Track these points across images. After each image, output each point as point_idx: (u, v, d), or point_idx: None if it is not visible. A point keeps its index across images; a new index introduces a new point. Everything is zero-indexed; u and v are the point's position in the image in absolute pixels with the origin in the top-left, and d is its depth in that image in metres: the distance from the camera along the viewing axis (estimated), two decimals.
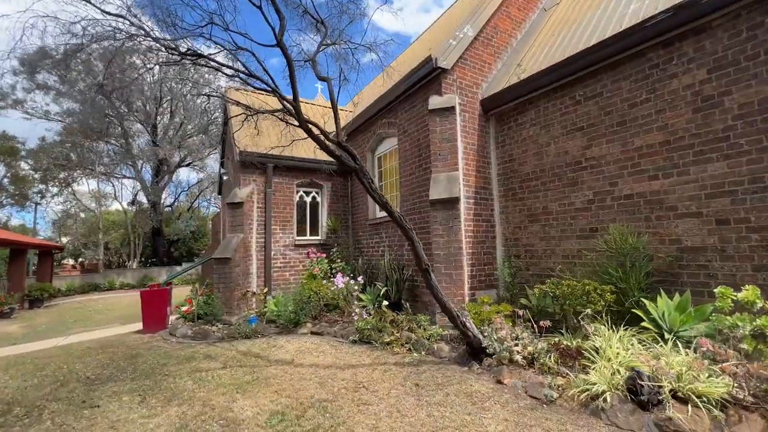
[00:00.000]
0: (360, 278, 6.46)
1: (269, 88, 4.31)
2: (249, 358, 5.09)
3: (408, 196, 6.65)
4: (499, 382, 3.66)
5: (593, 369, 3.22)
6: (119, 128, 20.85)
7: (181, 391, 4.09)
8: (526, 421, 2.97)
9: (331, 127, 8.93)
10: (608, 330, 3.67)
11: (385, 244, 7.34)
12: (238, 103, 4.97)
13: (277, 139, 7.52)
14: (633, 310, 3.77)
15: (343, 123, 7.80)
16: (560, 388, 3.24)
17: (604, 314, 3.85)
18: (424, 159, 6.23)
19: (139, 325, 7.73)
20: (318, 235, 8.52)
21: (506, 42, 6.83)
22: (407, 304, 5.97)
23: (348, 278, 6.29)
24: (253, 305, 7.37)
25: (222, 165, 10.58)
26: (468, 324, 4.06)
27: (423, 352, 4.69)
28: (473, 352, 4.12)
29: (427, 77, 5.95)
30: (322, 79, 4.38)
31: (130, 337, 6.88)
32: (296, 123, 4.19)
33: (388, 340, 5.02)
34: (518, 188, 5.86)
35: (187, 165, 21.98)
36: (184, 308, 7.51)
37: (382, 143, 7.81)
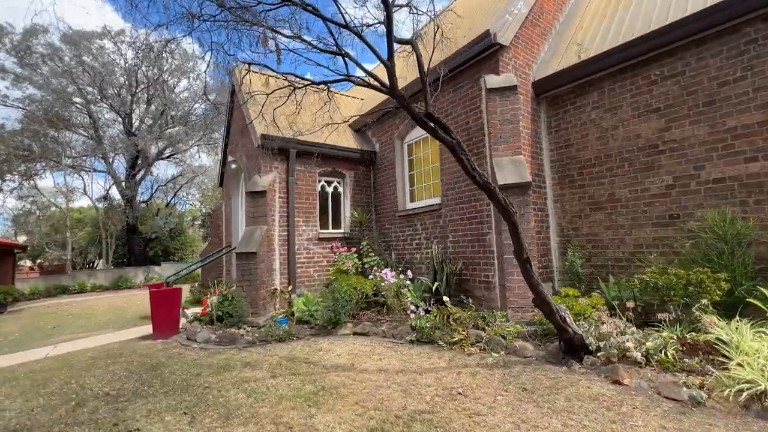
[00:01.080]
0: (409, 273, 5.91)
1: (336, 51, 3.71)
2: (298, 365, 4.46)
3: (452, 184, 6.19)
4: (617, 382, 3.27)
5: (735, 365, 2.89)
6: (88, 117, 19.11)
7: (236, 407, 3.45)
8: (687, 428, 2.58)
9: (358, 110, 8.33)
10: (722, 321, 3.38)
11: (421, 237, 6.85)
12: (285, 77, 4.32)
13: (303, 123, 6.86)
14: (748, 300, 3.50)
15: (354, 111, 7.17)
16: (705, 388, 2.89)
17: (712, 305, 3.56)
18: (475, 143, 5.80)
19: (140, 330, 6.88)
20: (340, 228, 7.90)
21: (551, 24, 6.51)
22: (455, 300, 5.52)
23: (394, 273, 5.74)
24: (277, 304, 6.67)
25: (225, 153, 9.69)
26: (568, 319, 3.66)
27: (502, 352, 4.25)
28: (571, 350, 3.73)
29: (482, 54, 5.51)
30: (403, 42, 3.83)
31: (137, 343, 6.02)
32: (377, 88, 3.62)
33: (456, 339, 4.55)
34: (576, 175, 5.54)
35: (168, 157, 20.46)
36: (197, 310, 6.70)
37: (414, 129, 7.31)
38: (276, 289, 6.52)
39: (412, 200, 7.45)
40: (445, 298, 5.06)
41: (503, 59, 5.47)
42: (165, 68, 18.74)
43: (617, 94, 5.11)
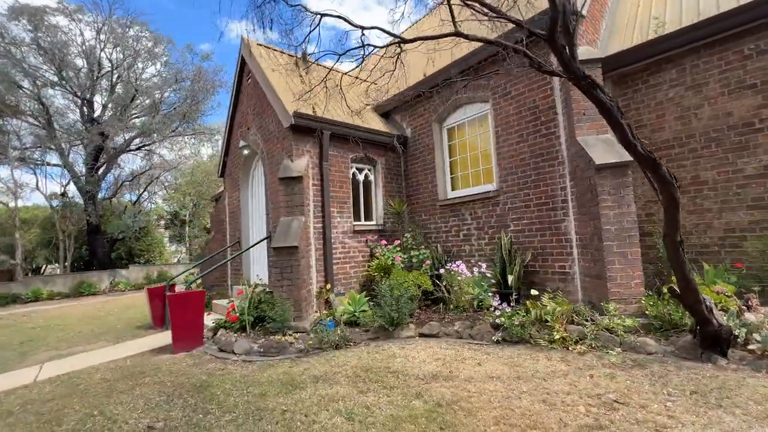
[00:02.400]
0: (461, 266, 5.35)
1: None
2: (382, 376, 3.76)
3: (513, 169, 5.70)
4: None
5: None
6: (38, 104, 16.82)
7: None
8: None
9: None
10: None
11: (470, 227, 6.30)
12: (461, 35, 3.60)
13: (331, 104, 6.08)
14: None
15: (362, 95, 6.23)
16: None
17: None
18: (543, 123, 5.33)
19: (145, 342, 5.90)
20: (372, 220, 7.19)
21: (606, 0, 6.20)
22: (522, 294, 5.04)
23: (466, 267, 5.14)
24: (316, 305, 5.86)
25: (229, 139, 8.62)
26: (714, 310, 3.26)
27: (618, 349, 3.79)
28: (713, 344, 3.33)
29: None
30: None
31: (154, 358, 5.01)
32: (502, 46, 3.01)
33: (558, 336, 4.04)
34: None
35: (138, 149, 18.47)
36: (215, 315, 5.74)
37: (457, 111, 6.75)
38: (322, 288, 5.71)
39: (453, 188, 6.89)
40: (534, 292, 4.54)
41: (578, 32, 5.03)
42: (135, 50, 16.88)
43: (702, 70, 4.83)
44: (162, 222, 30.33)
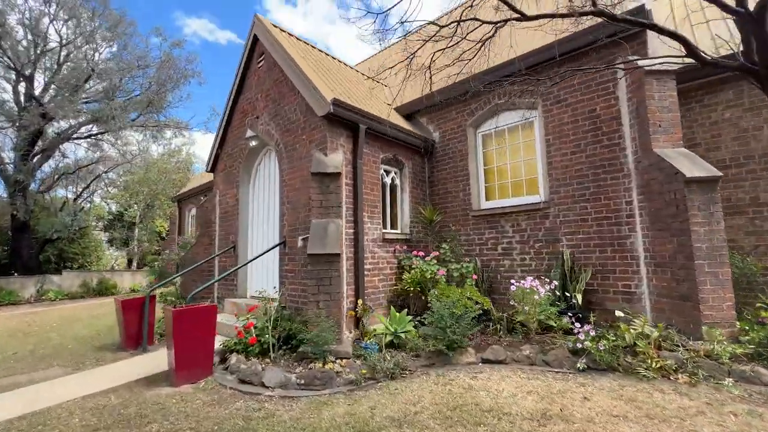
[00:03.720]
0: (554, 283, 4.79)
1: None
2: (480, 417, 3.07)
3: (568, 179, 5.36)
4: None
5: None
6: None
7: None
8: None
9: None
10: None
11: (512, 241, 5.85)
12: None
13: (366, 90, 5.42)
14: None
15: (389, 98, 5.58)
16: None
17: None
18: (605, 133, 5.07)
19: (120, 369, 4.66)
20: (397, 228, 6.49)
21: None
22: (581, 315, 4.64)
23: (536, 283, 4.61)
24: (344, 324, 5.00)
25: (226, 128, 7.52)
26: None
27: (729, 378, 3.44)
28: None
29: (626, 32, 4.85)
30: None
31: (150, 393, 3.86)
32: None
33: (657, 365, 3.62)
34: None
35: (90, 137, 16.04)
36: (239, 335, 4.68)
37: (495, 117, 6.36)
38: (366, 305, 4.87)
39: (487, 198, 6.43)
40: (619, 313, 4.12)
41: (645, 39, 4.88)
42: (92, 28, 14.86)
43: (759, 93, 4.86)
44: (100, 223, 26.88)
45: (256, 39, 6.85)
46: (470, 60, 3.86)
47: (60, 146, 15.91)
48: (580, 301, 4.52)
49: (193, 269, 6.63)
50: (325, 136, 5.21)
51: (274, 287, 5.83)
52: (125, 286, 19.21)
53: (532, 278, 4.59)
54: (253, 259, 5.41)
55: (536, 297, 4.38)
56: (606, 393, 3.38)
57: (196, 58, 16.12)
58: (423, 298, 5.64)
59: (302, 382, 3.74)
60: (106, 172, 17.89)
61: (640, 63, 4.61)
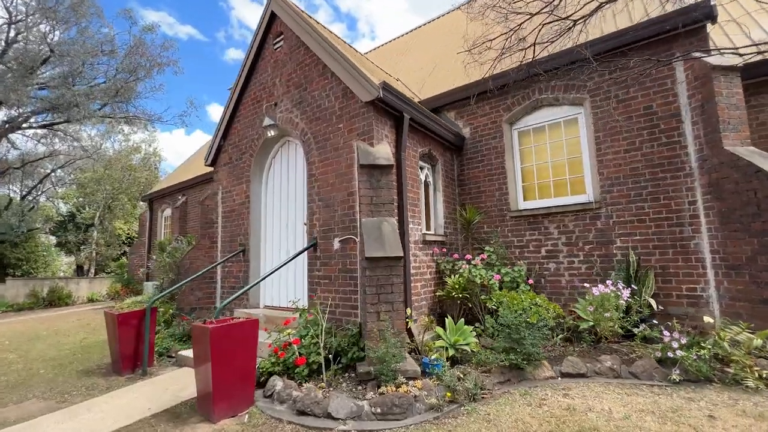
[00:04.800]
0: (630, 288, 4.43)
1: None
2: None
3: (622, 178, 5.13)
4: None
5: None
6: None
7: None
8: None
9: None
10: None
11: (558, 242, 5.53)
12: None
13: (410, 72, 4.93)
14: None
15: (423, 88, 5.02)
16: None
17: None
18: (663, 131, 4.89)
19: (120, 401, 3.79)
20: (431, 229, 5.99)
21: None
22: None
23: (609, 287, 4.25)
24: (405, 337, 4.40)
25: (232, 118, 6.70)
26: None
27: None
28: None
29: (686, 27, 4.71)
30: None
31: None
32: None
33: (763, 375, 3.37)
34: None
35: (45, 127, 14.12)
36: (277, 352, 3.94)
37: (534, 113, 6.06)
38: (431, 316, 4.30)
39: (525, 198, 6.10)
40: (708, 319, 3.86)
41: (705, 35, 4.76)
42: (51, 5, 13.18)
43: None
44: (47, 226, 24.12)
45: (273, 17, 6.13)
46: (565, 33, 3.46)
47: (7, 136, 13.94)
48: (655, 306, 4.24)
49: (195, 277, 5.72)
50: (371, 125, 4.62)
51: (297, 299, 5.11)
52: (82, 296, 17.19)
53: (611, 282, 4.26)
54: (284, 263, 4.67)
55: (621, 302, 4.04)
56: (727, 409, 3.06)
57: (173, 45, 14.79)
58: (469, 305, 5.18)
59: (378, 410, 3.13)
60: (63, 167, 15.94)
61: (709, 59, 4.46)
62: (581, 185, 5.59)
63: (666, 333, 3.77)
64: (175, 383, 4.30)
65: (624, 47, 5.12)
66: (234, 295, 4.05)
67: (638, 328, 4.22)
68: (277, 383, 3.62)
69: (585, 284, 4.61)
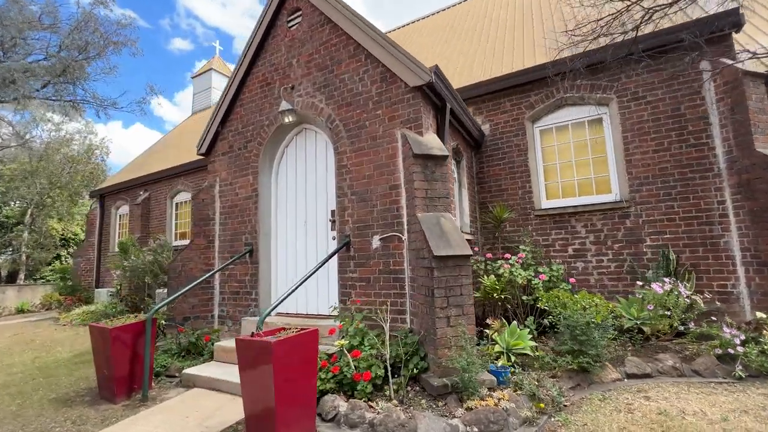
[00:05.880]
0: (682, 285, 4.38)
1: None
2: None
3: (651, 178, 5.22)
4: None
5: None
6: None
7: None
8: None
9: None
10: None
11: (585, 241, 5.52)
12: None
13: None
14: None
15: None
16: None
17: None
18: (693, 132, 5.04)
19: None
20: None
21: None
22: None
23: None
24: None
25: (233, 99, 5.95)
26: None
27: None
28: None
29: (715, 33, 4.89)
30: None
31: None
32: None
33: None
34: None
35: None
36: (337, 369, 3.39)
37: (558, 111, 6.04)
38: (500, 320, 3.95)
39: (548, 197, 6.05)
40: (760, 315, 3.93)
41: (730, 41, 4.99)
42: None
43: None
44: None
45: None
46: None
47: None
48: (702, 303, 4.29)
49: (201, 280, 4.91)
50: (419, 113, 4.24)
51: (331, 306, 4.56)
52: (9, 306, 14.69)
53: (669, 280, 4.23)
54: (321, 264, 4.10)
55: (681, 300, 4.02)
56: None
57: (130, 22, 13.18)
58: (507, 306, 4.96)
59: (476, 430, 2.74)
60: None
61: (738, 65, 4.65)
62: (606, 184, 5.64)
63: (726, 329, 3.80)
64: (194, 409, 3.58)
65: (661, 47, 5.15)
66: (281, 297, 3.45)
67: (686, 325, 4.24)
68: (339, 404, 3.10)
69: (615, 284, 4.57)
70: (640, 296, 4.35)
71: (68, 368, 5.35)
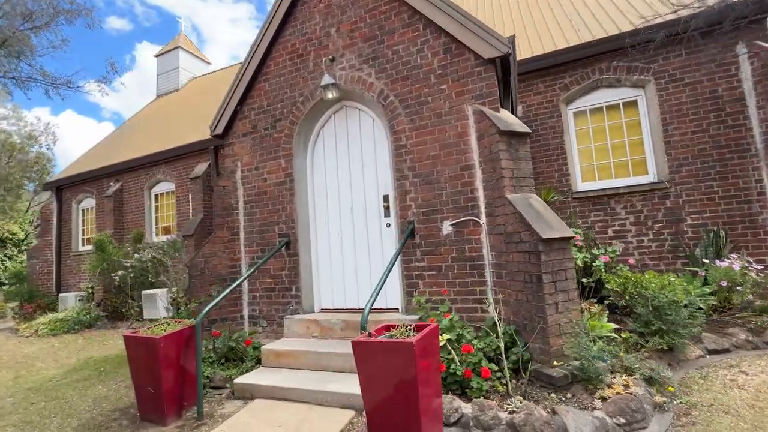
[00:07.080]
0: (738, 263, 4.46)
1: None
2: None
3: (690, 159, 5.34)
4: None
5: None
6: None
7: None
8: None
9: None
10: None
11: (626, 222, 5.57)
12: None
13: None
14: None
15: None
16: None
17: None
18: (729, 114, 5.19)
19: None
20: None
21: None
22: None
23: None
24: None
25: (255, 74, 5.29)
26: None
27: None
28: None
29: (748, 17, 5.03)
30: None
31: None
32: None
33: None
34: None
35: None
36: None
37: (592, 93, 6.00)
38: (598, 304, 3.77)
39: (583, 180, 6.04)
40: None
41: None
42: None
43: None
44: None
45: None
46: None
47: None
48: (758, 279, 4.45)
49: (245, 277, 4.32)
50: (493, 86, 3.94)
51: (392, 297, 4.19)
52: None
53: (736, 256, 4.31)
54: (398, 252, 3.71)
55: (750, 276, 4.12)
56: None
57: None
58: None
59: (623, 421, 2.57)
60: None
61: None
62: (642, 166, 5.71)
63: None
64: (275, 425, 3.09)
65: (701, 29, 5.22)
66: (375, 291, 3.04)
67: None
68: (460, 405, 2.78)
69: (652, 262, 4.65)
70: (702, 273, 4.43)
71: (73, 387, 4.54)
